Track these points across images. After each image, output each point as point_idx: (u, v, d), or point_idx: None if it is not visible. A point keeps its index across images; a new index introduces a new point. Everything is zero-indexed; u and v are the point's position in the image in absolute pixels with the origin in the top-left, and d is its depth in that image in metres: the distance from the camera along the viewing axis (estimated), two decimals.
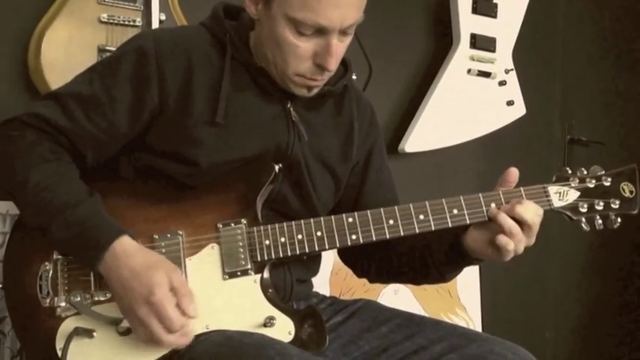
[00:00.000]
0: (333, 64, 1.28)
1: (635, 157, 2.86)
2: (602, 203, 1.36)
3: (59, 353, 1.24)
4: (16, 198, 1.26)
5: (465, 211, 1.32)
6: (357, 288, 2.36)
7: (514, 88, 2.56)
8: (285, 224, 1.30)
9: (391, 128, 2.54)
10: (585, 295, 3.04)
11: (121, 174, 1.35)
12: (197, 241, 1.29)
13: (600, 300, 3.05)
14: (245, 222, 1.30)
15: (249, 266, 1.28)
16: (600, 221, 1.36)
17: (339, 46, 1.29)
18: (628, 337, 3.06)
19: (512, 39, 2.56)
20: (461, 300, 2.61)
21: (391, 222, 1.32)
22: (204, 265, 1.27)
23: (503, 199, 1.33)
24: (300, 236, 1.30)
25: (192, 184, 1.32)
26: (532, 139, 2.87)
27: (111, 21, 1.87)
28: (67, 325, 1.25)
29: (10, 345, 1.81)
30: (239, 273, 1.28)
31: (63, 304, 1.26)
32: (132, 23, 1.89)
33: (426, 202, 1.32)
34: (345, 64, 1.46)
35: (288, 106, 1.38)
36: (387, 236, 1.31)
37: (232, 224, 1.30)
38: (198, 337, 1.24)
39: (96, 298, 1.26)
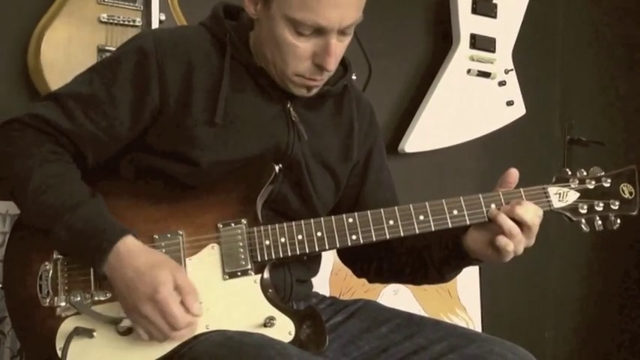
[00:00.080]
0: (332, 64, 1.28)
1: (634, 158, 2.88)
2: (601, 204, 1.36)
3: (59, 353, 1.24)
4: (18, 199, 1.26)
5: (465, 212, 1.32)
6: (357, 288, 2.36)
7: (514, 89, 2.56)
8: (285, 224, 1.30)
9: (391, 128, 2.54)
10: (585, 295, 3.04)
11: (122, 174, 1.35)
12: (197, 241, 1.29)
13: (600, 300, 3.05)
14: (245, 222, 1.30)
15: (249, 266, 1.28)
16: (600, 222, 1.36)
17: (338, 46, 1.29)
18: (628, 337, 3.06)
19: (512, 39, 2.56)
20: (461, 300, 2.61)
21: (391, 222, 1.32)
22: (204, 265, 1.27)
23: (503, 200, 1.33)
24: (300, 236, 1.30)
25: (192, 184, 1.32)
26: (532, 139, 2.87)
27: (111, 21, 1.87)
28: (67, 325, 1.25)
29: (10, 345, 1.81)
30: (239, 273, 1.28)
31: (63, 303, 1.26)
32: (132, 23, 1.89)
33: (426, 203, 1.33)
34: (344, 64, 1.46)
35: (288, 106, 1.38)
36: (387, 237, 1.31)
37: (232, 224, 1.30)
38: (198, 337, 1.24)
39: (96, 298, 1.26)
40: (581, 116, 2.97)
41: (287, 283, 1.39)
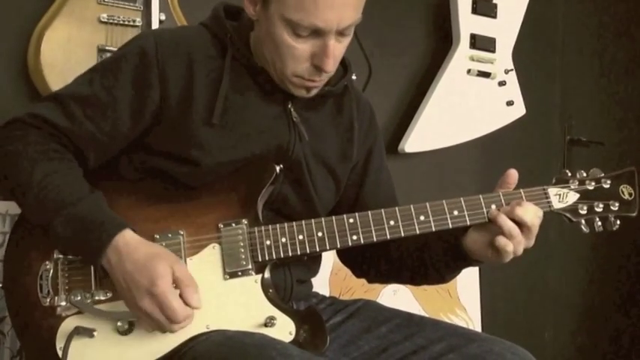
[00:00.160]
0: (331, 65, 1.28)
1: (634, 158, 2.88)
2: (601, 205, 1.36)
3: (59, 353, 1.24)
4: (19, 196, 1.26)
5: (466, 213, 1.32)
6: (357, 288, 2.36)
7: (514, 89, 2.56)
8: (286, 224, 1.31)
9: (391, 128, 2.54)
10: (585, 296, 3.04)
11: (122, 174, 1.35)
12: (198, 241, 1.29)
13: (600, 300, 3.05)
14: (246, 222, 1.30)
15: (249, 266, 1.28)
16: (600, 223, 1.37)
17: (337, 47, 1.28)
18: (628, 337, 3.06)
19: (511, 39, 2.56)
20: (460, 300, 2.61)
21: (392, 223, 1.32)
22: (205, 264, 1.28)
23: (503, 201, 1.33)
24: (301, 236, 1.30)
25: (193, 184, 1.32)
26: (532, 139, 2.87)
27: (111, 21, 1.87)
28: (67, 325, 1.25)
29: (9, 345, 1.81)
30: (240, 273, 1.28)
31: (63, 303, 1.26)
32: (132, 23, 1.89)
33: (427, 204, 1.33)
34: (345, 64, 1.46)
35: (289, 106, 1.38)
36: (388, 237, 1.32)
37: (233, 224, 1.30)
38: (198, 336, 1.24)
39: (96, 298, 1.26)
40: (581, 116, 2.97)
41: (287, 283, 1.39)
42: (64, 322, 1.26)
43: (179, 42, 1.34)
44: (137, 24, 1.89)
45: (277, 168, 1.32)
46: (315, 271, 1.51)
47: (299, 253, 1.30)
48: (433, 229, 1.32)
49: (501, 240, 1.28)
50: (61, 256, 1.28)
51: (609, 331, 3.06)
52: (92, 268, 1.26)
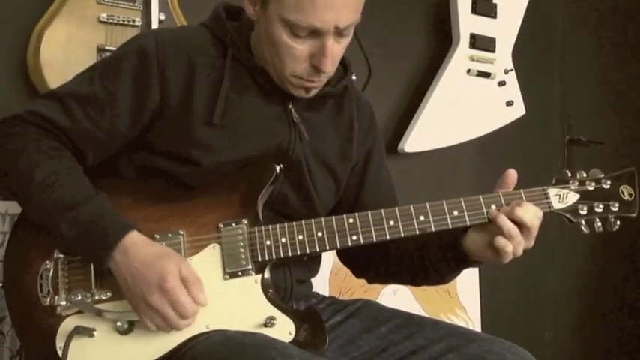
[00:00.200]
0: (329, 66, 1.28)
1: (634, 158, 2.88)
2: (601, 206, 1.36)
3: (59, 352, 1.24)
4: (20, 196, 1.26)
5: (466, 213, 1.32)
6: (357, 288, 2.36)
7: (513, 89, 2.56)
8: (286, 224, 1.31)
9: (391, 128, 2.54)
10: (584, 296, 3.04)
11: (122, 173, 1.35)
12: (198, 240, 1.29)
13: (599, 300, 3.05)
14: (246, 222, 1.30)
15: (249, 266, 1.28)
16: (600, 224, 1.37)
17: (336, 48, 1.28)
18: (627, 337, 3.06)
19: (511, 39, 2.56)
20: (460, 300, 2.61)
21: (392, 223, 1.32)
22: (205, 264, 1.28)
23: (503, 201, 1.33)
24: (300, 237, 1.30)
25: (193, 184, 1.32)
26: (531, 139, 2.87)
27: (110, 21, 1.87)
28: (67, 324, 1.25)
29: (9, 345, 1.81)
30: (240, 273, 1.28)
31: (63, 302, 1.26)
32: (131, 23, 1.89)
33: (427, 204, 1.33)
34: (345, 64, 1.46)
35: (289, 106, 1.38)
36: (388, 237, 1.32)
37: (233, 224, 1.30)
38: (198, 336, 1.24)
39: (97, 297, 1.26)
40: (581, 116, 2.97)
41: (287, 283, 1.39)
42: (64, 322, 1.26)
43: (180, 42, 1.34)
44: (137, 24, 1.89)
45: (277, 168, 1.32)
46: (315, 271, 1.51)
47: (299, 253, 1.30)
48: (433, 229, 1.32)
49: (501, 240, 1.28)
50: (61, 255, 1.28)
51: (609, 331, 3.06)
52: (92, 267, 1.26)
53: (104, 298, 1.26)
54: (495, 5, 2.51)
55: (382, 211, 1.32)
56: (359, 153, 1.50)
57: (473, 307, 2.63)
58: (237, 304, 1.27)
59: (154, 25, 1.91)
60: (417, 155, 2.51)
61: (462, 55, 2.47)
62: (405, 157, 2.51)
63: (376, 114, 1.57)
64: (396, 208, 1.32)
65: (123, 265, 1.20)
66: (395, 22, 2.55)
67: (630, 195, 1.37)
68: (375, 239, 1.31)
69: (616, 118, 3.05)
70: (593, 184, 1.37)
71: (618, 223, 1.37)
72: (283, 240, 1.30)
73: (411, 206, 1.33)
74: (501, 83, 2.53)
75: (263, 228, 1.30)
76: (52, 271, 1.27)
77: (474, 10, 2.48)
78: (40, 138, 1.28)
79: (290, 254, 1.30)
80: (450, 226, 1.32)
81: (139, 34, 1.41)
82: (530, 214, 1.29)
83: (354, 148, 1.47)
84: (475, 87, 2.49)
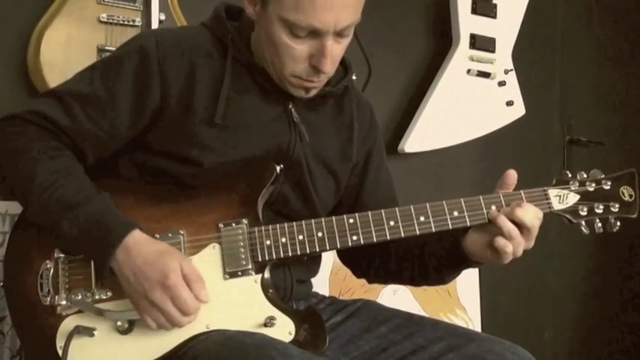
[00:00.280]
0: (328, 66, 1.28)
1: (634, 158, 2.88)
2: (601, 207, 1.36)
3: (59, 352, 1.24)
4: (21, 195, 1.26)
5: (466, 213, 1.32)
6: (357, 288, 2.36)
7: (513, 89, 2.56)
8: (286, 225, 1.31)
9: (391, 128, 2.54)
10: (585, 296, 3.04)
11: (122, 173, 1.35)
12: (198, 240, 1.29)
13: (599, 300, 3.05)
14: (246, 222, 1.30)
15: (249, 266, 1.28)
16: (600, 224, 1.37)
17: (335, 48, 1.28)
18: (627, 337, 3.06)
19: (511, 39, 2.56)
20: (460, 300, 2.61)
21: (392, 223, 1.32)
22: (205, 264, 1.27)
23: (503, 202, 1.33)
24: (301, 237, 1.30)
25: (193, 184, 1.32)
26: (531, 139, 2.87)
27: (110, 21, 1.87)
28: (67, 324, 1.25)
29: (9, 345, 1.81)
30: (240, 273, 1.28)
31: (64, 302, 1.26)
32: (131, 23, 1.89)
33: (427, 204, 1.33)
34: (345, 64, 1.47)
35: (290, 106, 1.38)
36: (388, 237, 1.32)
37: (233, 224, 1.30)
38: (198, 336, 1.24)
39: (97, 297, 1.26)
40: (581, 116, 2.97)
41: (287, 283, 1.39)
42: (65, 321, 1.26)
43: (180, 42, 1.34)
44: (137, 24, 1.89)
45: (278, 168, 1.32)
46: (315, 271, 1.51)
47: (299, 253, 1.30)
48: (433, 230, 1.32)
49: (501, 241, 1.28)
50: (61, 255, 1.28)
51: (609, 331, 3.06)
52: (92, 267, 1.26)
53: (104, 297, 1.26)
54: (495, 5, 2.51)
55: (382, 211, 1.32)
56: (359, 153, 1.50)
57: (473, 307, 2.63)
58: (237, 304, 1.27)
59: (154, 25, 1.91)
60: (417, 155, 2.51)
61: (461, 55, 2.47)
62: (405, 157, 2.50)
63: (376, 114, 1.57)
64: (397, 209, 1.33)
65: (125, 264, 1.20)
66: (395, 22, 2.55)
67: (631, 196, 1.37)
68: (375, 239, 1.31)
69: (616, 118, 3.05)
70: (594, 184, 1.37)
71: (618, 223, 1.37)
72: (283, 240, 1.30)
73: (412, 206, 1.33)
74: (501, 83, 2.53)
75: (263, 228, 1.30)
76: (52, 270, 1.27)
77: (474, 10, 2.48)
78: (41, 137, 1.28)
79: (290, 254, 1.30)
80: (450, 227, 1.32)
81: (140, 34, 1.41)
82: (531, 214, 1.29)
83: (354, 148, 1.47)
84: (475, 87, 2.49)
